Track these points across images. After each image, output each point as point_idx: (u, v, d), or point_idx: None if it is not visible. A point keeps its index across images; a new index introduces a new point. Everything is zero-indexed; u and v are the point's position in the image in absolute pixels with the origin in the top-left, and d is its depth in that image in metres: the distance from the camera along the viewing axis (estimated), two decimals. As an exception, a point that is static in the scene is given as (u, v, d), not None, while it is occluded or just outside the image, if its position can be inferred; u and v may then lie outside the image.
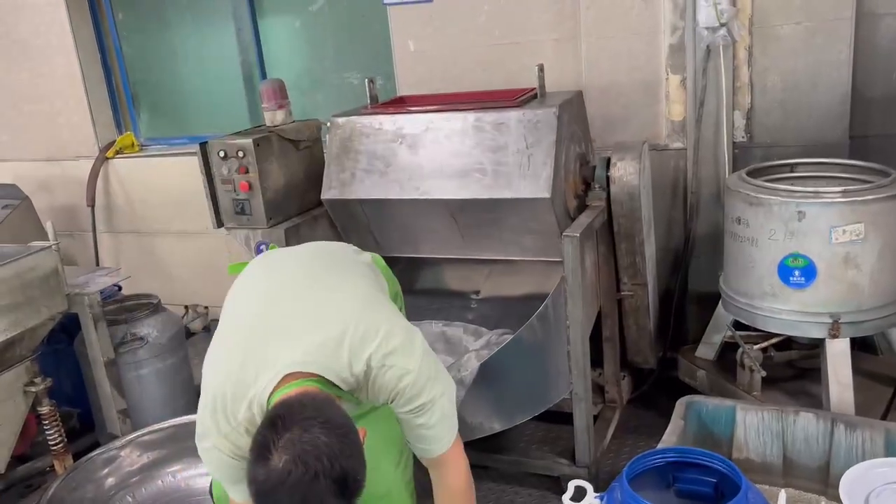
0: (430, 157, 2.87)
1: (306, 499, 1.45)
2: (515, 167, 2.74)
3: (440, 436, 1.88)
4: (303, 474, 1.44)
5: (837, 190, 2.56)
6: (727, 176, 3.12)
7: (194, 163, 3.06)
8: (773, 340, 2.93)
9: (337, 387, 1.73)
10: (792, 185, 2.70)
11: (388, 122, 2.96)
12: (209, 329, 4.74)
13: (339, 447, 1.49)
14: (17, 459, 3.10)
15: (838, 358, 2.64)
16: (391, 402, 1.82)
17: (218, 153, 2.98)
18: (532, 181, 2.71)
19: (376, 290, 1.99)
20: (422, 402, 1.80)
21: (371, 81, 3.19)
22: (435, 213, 2.97)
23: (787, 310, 2.66)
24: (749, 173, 2.84)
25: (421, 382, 1.79)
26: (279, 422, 1.51)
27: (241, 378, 1.72)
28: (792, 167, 2.94)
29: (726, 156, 3.21)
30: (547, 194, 2.68)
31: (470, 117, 2.83)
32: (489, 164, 2.78)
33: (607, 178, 2.89)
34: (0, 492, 3.04)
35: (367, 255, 2.25)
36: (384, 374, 1.76)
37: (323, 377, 1.70)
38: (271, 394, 1.67)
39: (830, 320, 2.59)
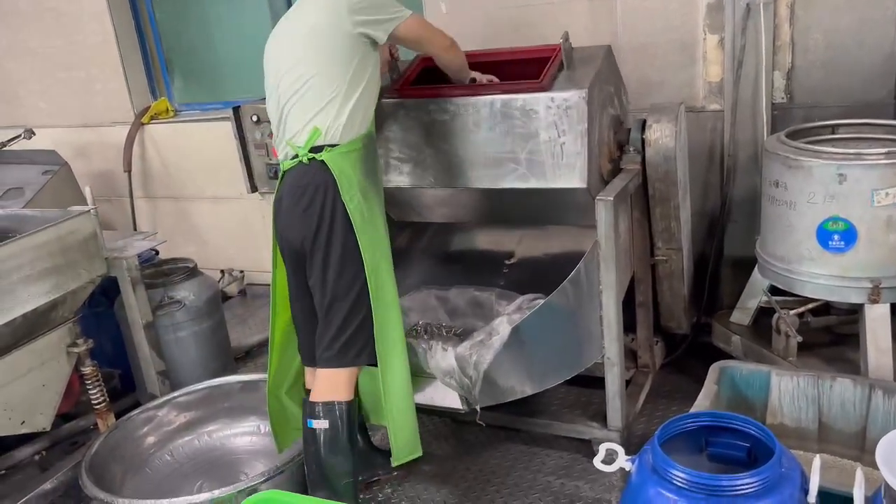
0: (461, 146, 2.74)
1: None
2: (548, 156, 2.63)
3: None
4: None
5: (881, 152, 2.48)
6: (765, 138, 3.05)
7: (228, 128, 3.08)
8: (810, 306, 2.88)
9: None
10: (833, 147, 2.63)
11: (413, 108, 2.79)
12: (245, 293, 4.81)
13: None
14: (63, 418, 3.20)
15: (878, 323, 2.59)
16: None
17: (251, 118, 2.99)
18: (567, 171, 2.62)
19: None
20: None
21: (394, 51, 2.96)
22: (470, 194, 2.96)
23: (826, 274, 2.61)
24: (788, 135, 2.77)
25: None
26: None
27: None
28: (833, 129, 2.86)
29: (765, 117, 3.14)
30: (583, 184, 2.61)
31: (496, 103, 2.66)
32: (522, 154, 2.67)
33: (642, 140, 2.84)
34: (46, 448, 3.15)
35: None
36: None
37: None
38: None
39: (870, 285, 2.54)
